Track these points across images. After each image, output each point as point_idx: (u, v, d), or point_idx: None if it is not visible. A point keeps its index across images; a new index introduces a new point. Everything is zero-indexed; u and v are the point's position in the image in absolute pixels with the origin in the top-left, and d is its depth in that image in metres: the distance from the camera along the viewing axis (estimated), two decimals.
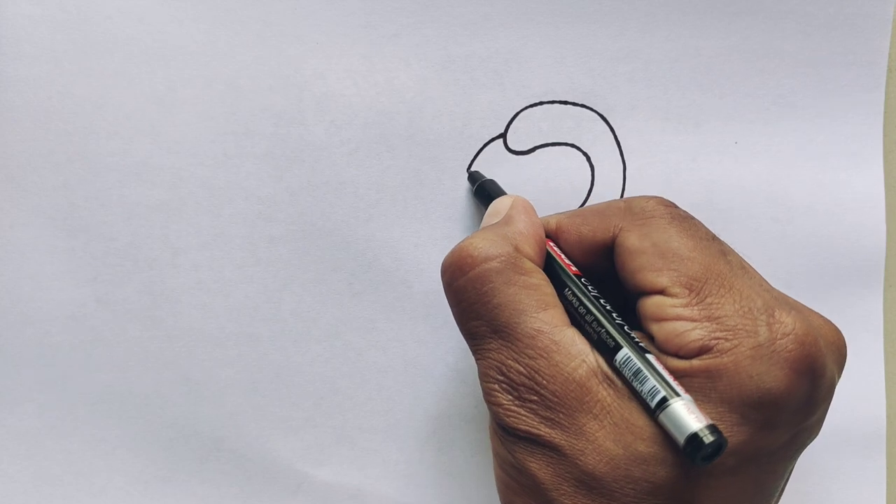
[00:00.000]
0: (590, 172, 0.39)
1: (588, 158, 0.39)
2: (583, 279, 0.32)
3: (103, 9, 0.36)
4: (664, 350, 0.29)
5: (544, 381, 0.29)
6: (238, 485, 0.38)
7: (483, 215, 0.36)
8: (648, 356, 0.29)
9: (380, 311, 0.38)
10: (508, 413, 0.30)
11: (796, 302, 0.30)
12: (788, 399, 0.28)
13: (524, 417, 0.29)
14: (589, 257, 0.33)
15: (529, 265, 0.31)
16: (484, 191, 0.37)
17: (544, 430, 0.29)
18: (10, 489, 0.37)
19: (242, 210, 0.37)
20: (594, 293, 0.31)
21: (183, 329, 0.37)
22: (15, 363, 0.36)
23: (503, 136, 0.38)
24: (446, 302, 0.38)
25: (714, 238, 0.31)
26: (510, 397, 0.30)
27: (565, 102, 0.38)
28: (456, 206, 0.38)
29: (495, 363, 0.30)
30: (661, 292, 0.30)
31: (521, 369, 0.29)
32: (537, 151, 0.39)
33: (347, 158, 0.37)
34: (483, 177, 0.38)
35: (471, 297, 0.31)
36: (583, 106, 0.39)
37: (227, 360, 0.38)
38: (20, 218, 0.36)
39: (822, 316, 0.30)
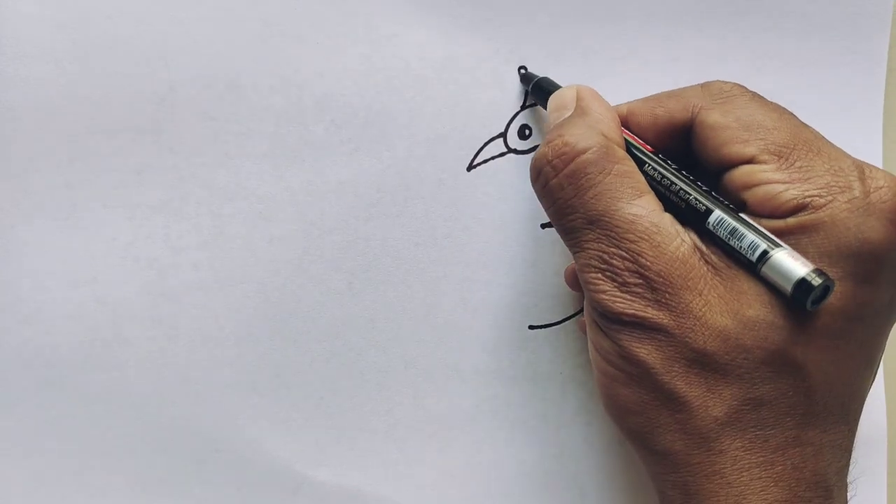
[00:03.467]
0: None
1: None
2: (660, 155, 0.32)
3: (103, 9, 0.36)
4: (757, 214, 0.30)
5: (648, 263, 0.29)
6: (237, 485, 0.38)
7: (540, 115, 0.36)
8: (742, 215, 0.29)
9: (380, 311, 0.38)
10: (614, 299, 0.30)
11: None
12: (889, 250, 0.29)
13: (630, 301, 0.30)
14: (661, 141, 0.33)
15: (621, 153, 0.32)
16: (541, 88, 0.36)
17: (651, 313, 0.29)
18: (8, 489, 0.37)
19: (242, 210, 0.37)
20: (675, 167, 0.32)
21: (182, 329, 0.37)
22: (14, 363, 0.36)
23: (503, 135, 0.38)
24: (446, 301, 0.38)
25: (792, 112, 0.32)
26: (614, 284, 0.30)
27: None
28: (456, 205, 0.38)
29: (596, 252, 0.30)
30: (750, 161, 0.30)
31: (624, 254, 0.30)
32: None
33: (347, 158, 0.37)
34: (535, 76, 0.37)
35: (567, 193, 0.31)
36: None
37: (226, 360, 0.38)
38: (21, 218, 0.36)
39: None
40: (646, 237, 0.30)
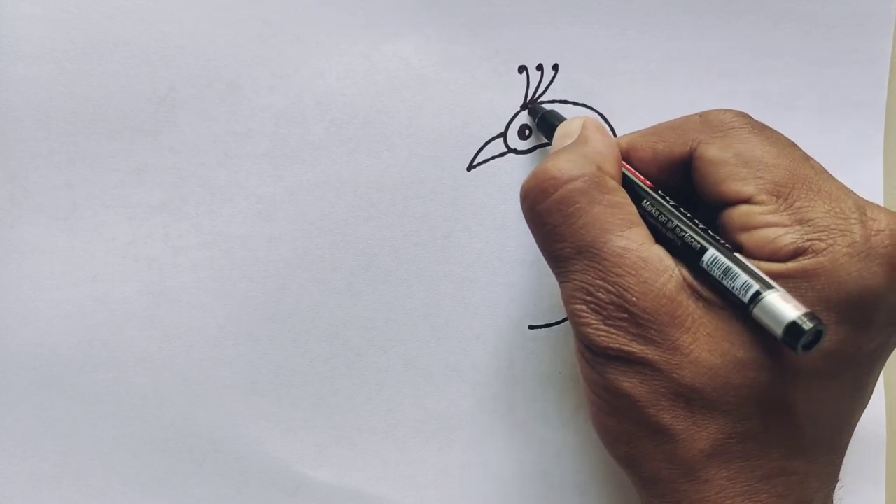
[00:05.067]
0: None
1: None
2: (659, 192, 0.32)
3: (103, 9, 0.36)
4: (756, 258, 0.29)
5: (634, 299, 0.29)
6: (236, 486, 0.38)
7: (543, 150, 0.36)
8: (736, 254, 0.29)
9: (379, 311, 0.38)
10: (598, 333, 0.30)
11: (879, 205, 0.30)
12: (887, 295, 0.28)
13: (614, 336, 0.29)
14: (663, 174, 0.33)
15: (613, 184, 0.31)
16: (547, 122, 0.37)
17: (636, 347, 0.29)
18: (6, 490, 0.37)
19: (242, 210, 0.37)
20: (673, 203, 0.31)
21: (182, 329, 0.37)
22: (13, 363, 0.36)
23: (503, 135, 0.38)
24: (446, 301, 0.38)
25: (795, 144, 0.31)
26: (599, 317, 0.30)
27: (565, 102, 0.38)
28: (456, 205, 0.38)
29: (581, 284, 0.30)
30: (748, 201, 0.30)
31: (609, 288, 0.29)
32: (537, 151, 0.39)
33: (347, 158, 0.37)
34: (543, 109, 0.38)
35: (555, 219, 0.31)
36: (583, 105, 0.38)
37: (225, 360, 0.38)
38: (21, 218, 0.36)
39: None
40: (633, 272, 0.29)
